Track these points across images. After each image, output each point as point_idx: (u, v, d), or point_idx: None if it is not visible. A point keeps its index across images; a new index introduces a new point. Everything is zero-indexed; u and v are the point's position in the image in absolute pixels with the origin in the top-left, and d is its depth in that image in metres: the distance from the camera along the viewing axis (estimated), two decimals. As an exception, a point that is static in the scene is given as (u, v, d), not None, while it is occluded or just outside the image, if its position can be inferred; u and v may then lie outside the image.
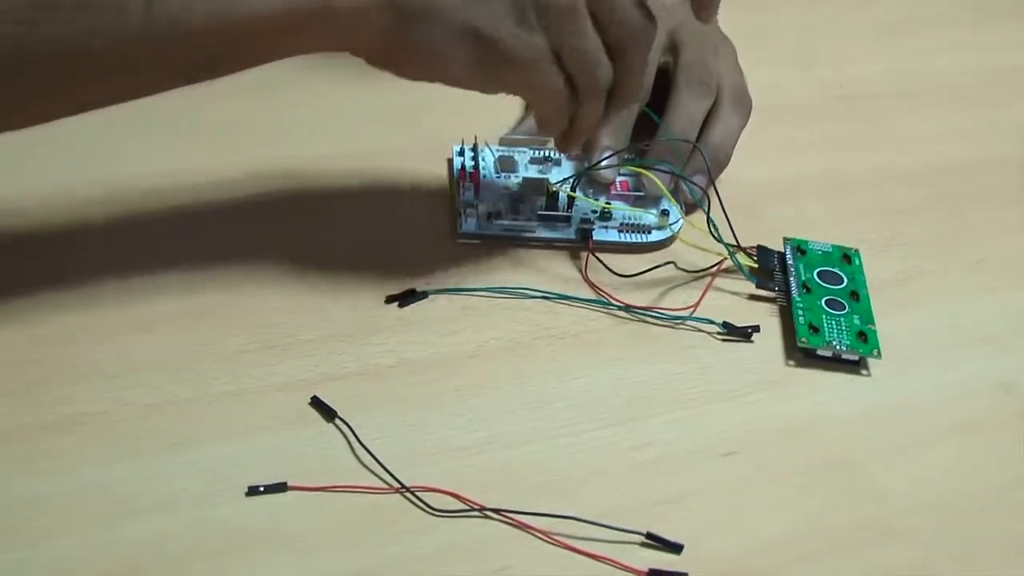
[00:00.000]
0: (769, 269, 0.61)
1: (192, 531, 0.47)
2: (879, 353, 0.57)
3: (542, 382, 0.55)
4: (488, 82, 0.54)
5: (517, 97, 0.61)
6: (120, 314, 0.55)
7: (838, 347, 0.57)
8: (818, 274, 0.61)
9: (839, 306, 0.59)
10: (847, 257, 0.62)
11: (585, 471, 0.51)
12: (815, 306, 0.59)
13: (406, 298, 0.58)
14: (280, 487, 0.49)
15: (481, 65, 0.52)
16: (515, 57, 0.52)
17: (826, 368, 0.57)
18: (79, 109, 0.51)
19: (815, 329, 0.57)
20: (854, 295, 0.60)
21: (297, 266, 0.58)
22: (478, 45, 0.52)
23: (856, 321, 0.58)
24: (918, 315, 0.61)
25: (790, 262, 0.61)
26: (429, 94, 0.67)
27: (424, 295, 0.58)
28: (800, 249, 0.62)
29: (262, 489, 0.49)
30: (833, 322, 0.58)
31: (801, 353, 0.57)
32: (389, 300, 0.58)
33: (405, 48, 0.52)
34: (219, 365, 0.54)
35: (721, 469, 0.52)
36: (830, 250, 0.62)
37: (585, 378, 0.55)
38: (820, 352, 0.57)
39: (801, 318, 0.58)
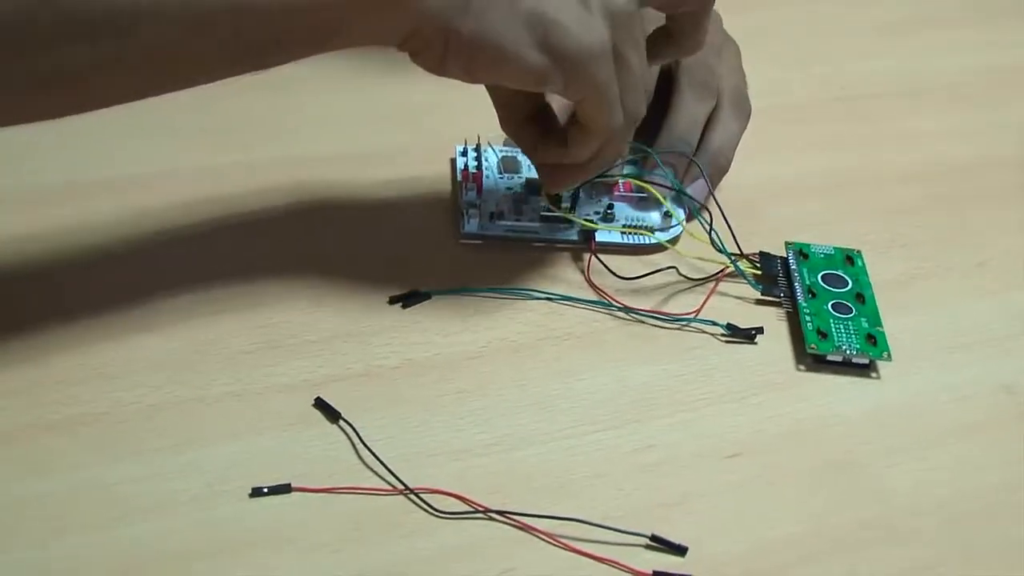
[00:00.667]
0: (773, 275, 0.61)
1: (194, 532, 0.47)
2: (889, 355, 0.57)
3: (545, 383, 0.55)
4: (548, 75, 0.51)
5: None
6: (122, 314, 0.55)
7: (848, 351, 0.57)
8: (822, 277, 0.61)
9: (846, 309, 0.59)
10: (850, 259, 0.62)
11: (589, 473, 0.51)
12: (822, 311, 0.59)
13: (409, 299, 0.57)
14: (284, 488, 0.49)
15: (543, 53, 0.50)
16: (580, 42, 0.50)
17: (836, 372, 0.57)
18: (139, 92, 0.49)
19: (823, 334, 0.57)
20: (859, 297, 0.60)
21: (300, 267, 0.58)
22: (541, 31, 0.50)
23: (864, 324, 0.58)
24: (919, 317, 0.61)
25: (793, 267, 0.61)
26: (431, 94, 0.67)
27: (427, 296, 0.58)
28: (802, 253, 0.62)
29: (266, 490, 0.49)
30: (841, 326, 0.58)
31: (811, 358, 0.57)
32: (392, 301, 0.57)
33: (462, 44, 0.50)
34: (221, 365, 0.53)
35: (725, 471, 0.52)
36: (832, 252, 0.62)
37: (588, 380, 0.55)
38: (830, 358, 0.57)
39: (809, 324, 0.58)
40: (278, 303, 0.57)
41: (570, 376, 0.55)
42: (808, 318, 0.58)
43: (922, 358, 0.59)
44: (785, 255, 0.62)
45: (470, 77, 0.52)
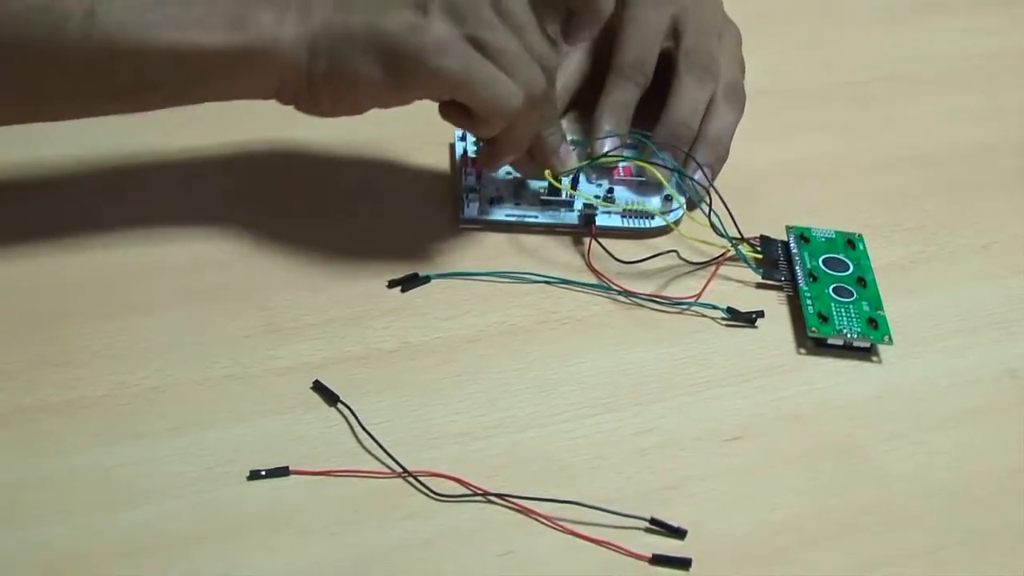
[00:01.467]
0: (773, 259, 0.60)
1: (193, 515, 0.47)
2: (891, 339, 0.57)
3: (545, 367, 0.55)
4: (401, 86, 0.53)
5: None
6: (122, 297, 0.55)
7: (849, 335, 0.57)
8: (823, 261, 0.60)
9: (847, 293, 0.59)
10: (851, 243, 0.62)
11: (588, 456, 0.51)
12: (823, 294, 0.58)
13: (408, 283, 0.57)
14: (282, 471, 0.49)
15: (386, 67, 0.52)
16: (410, 45, 0.52)
17: (837, 356, 0.57)
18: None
19: (824, 318, 0.57)
20: (861, 281, 0.59)
21: (300, 250, 0.58)
22: (379, 47, 0.52)
23: (865, 308, 0.58)
24: (923, 301, 0.61)
25: (794, 251, 0.61)
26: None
27: (427, 280, 0.58)
28: (803, 237, 0.62)
29: (264, 473, 0.49)
30: (842, 310, 0.58)
31: (812, 342, 0.57)
32: (391, 284, 0.57)
33: (320, 84, 0.53)
34: (221, 348, 0.53)
35: (724, 454, 0.52)
36: (833, 236, 0.62)
37: (588, 363, 0.55)
38: (831, 341, 0.57)
39: (810, 307, 0.58)
40: (278, 286, 0.56)
41: (570, 360, 0.55)
42: (809, 302, 0.58)
43: (924, 342, 0.59)
44: (786, 239, 0.62)
45: (345, 110, 0.55)
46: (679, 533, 0.48)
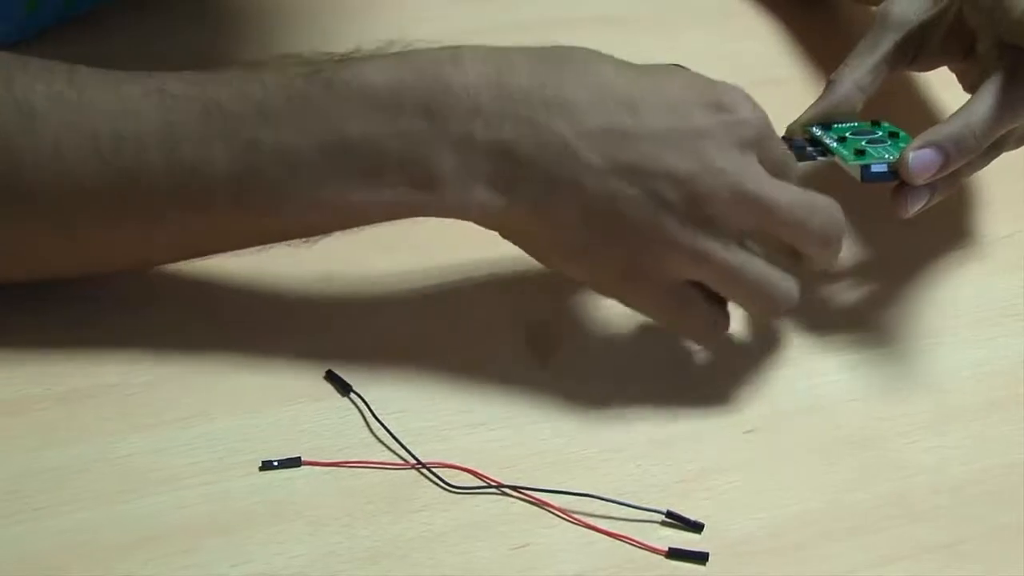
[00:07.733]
0: (799, 148, 0.57)
1: (204, 505, 0.47)
2: None
3: (561, 356, 0.54)
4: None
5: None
6: (131, 286, 0.54)
7: (891, 159, 0.53)
8: (851, 132, 0.57)
9: (880, 141, 0.56)
10: (875, 122, 0.58)
11: (604, 448, 0.51)
12: (856, 143, 0.55)
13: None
14: (294, 462, 0.48)
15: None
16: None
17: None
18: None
19: (861, 151, 0.54)
20: (893, 135, 0.57)
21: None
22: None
23: (901, 145, 0.55)
24: (942, 290, 0.60)
25: (817, 132, 0.57)
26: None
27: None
28: (824, 126, 0.58)
29: (276, 464, 0.48)
30: (879, 147, 0.55)
31: (859, 178, 0.53)
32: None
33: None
34: (232, 338, 0.53)
35: (742, 447, 0.52)
36: (856, 123, 0.58)
37: (603, 354, 0.55)
38: (875, 168, 0.53)
39: (843, 151, 0.55)
40: (289, 275, 0.56)
41: (585, 350, 0.55)
42: (841, 147, 0.55)
43: (944, 332, 0.58)
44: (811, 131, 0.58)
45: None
46: (696, 527, 0.48)
